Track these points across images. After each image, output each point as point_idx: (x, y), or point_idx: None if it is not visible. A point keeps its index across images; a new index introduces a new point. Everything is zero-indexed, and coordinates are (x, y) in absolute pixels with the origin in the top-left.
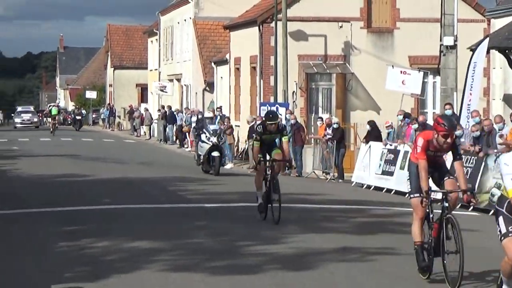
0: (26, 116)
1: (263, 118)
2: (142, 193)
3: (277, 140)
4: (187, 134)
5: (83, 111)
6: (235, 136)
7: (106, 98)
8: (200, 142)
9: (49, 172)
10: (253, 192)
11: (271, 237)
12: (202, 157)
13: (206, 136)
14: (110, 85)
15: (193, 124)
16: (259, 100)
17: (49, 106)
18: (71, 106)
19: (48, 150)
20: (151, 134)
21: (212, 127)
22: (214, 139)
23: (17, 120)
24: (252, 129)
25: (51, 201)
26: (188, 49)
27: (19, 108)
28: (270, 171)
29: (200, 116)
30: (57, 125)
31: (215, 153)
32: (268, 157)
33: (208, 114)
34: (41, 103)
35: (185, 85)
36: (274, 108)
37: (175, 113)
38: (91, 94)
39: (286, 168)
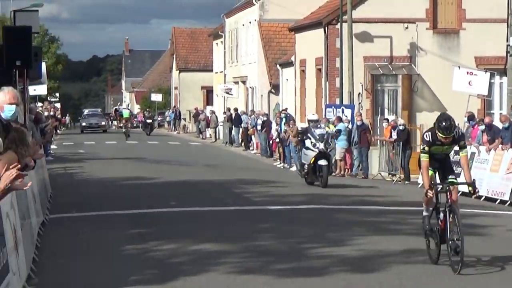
0: (93, 120)
1: (436, 124)
2: (208, 195)
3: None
4: (252, 136)
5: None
6: None
7: (172, 101)
8: (304, 149)
9: (116, 175)
10: (318, 194)
11: (337, 239)
12: (306, 166)
13: (312, 142)
14: (176, 88)
15: (258, 127)
16: (324, 102)
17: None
18: (136, 109)
19: (114, 153)
20: (217, 137)
21: (318, 131)
22: (321, 145)
23: (84, 123)
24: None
25: (118, 204)
26: (253, 51)
27: (86, 111)
28: (448, 199)
29: (265, 118)
30: (130, 128)
31: (323, 162)
32: (438, 177)
33: (312, 116)
34: (107, 106)
35: (250, 87)
36: (339, 110)
37: (241, 115)
38: (156, 97)
39: (470, 192)
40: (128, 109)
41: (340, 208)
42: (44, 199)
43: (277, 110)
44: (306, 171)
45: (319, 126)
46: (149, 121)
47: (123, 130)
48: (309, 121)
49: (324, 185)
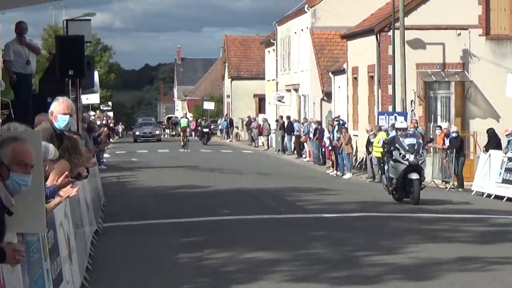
0: (147, 129)
1: None
2: (261, 203)
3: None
4: (305, 144)
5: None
6: (354, 145)
7: (224, 109)
8: (391, 162)
9: (168, 184)
10: (371, 202)
11: (390, 247)
12: (394, 181)
13: (400, 154)
14: (228, 96)
15: (311, 134)
16: (377, 110)
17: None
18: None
19: (167, 161)
20: (269, 145)
21: (407, 140)
22: (411, 157)
23: (137, 132)
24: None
25: (171, 212)
26: (306, 59)
27: (140, 120)
28: None
29: (317, 126)
30: (189, 138)
31: (414, 175)
32: None
33: (400, 124)
34: (159, 114)
35: (302, 95)
36: (392, 118)
37: (293, 123)
38: (208, 105)
39: None
40: (186, 118)
41: (393, 216)
42: (97, 207)
43: (329, 117)
44: (394, 186)
45: (408, 134)
46: (205, 130)
47: (182, 139)
48: (396, 129)
49: (416, 201)
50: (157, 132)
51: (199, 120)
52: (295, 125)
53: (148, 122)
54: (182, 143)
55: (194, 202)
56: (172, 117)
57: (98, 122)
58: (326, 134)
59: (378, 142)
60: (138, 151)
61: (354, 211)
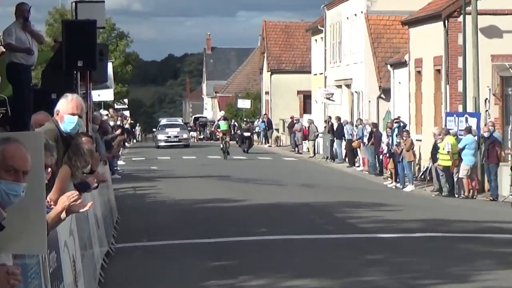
0: (173, 132)
1: None
2: (305, 221)
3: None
4: (358, 150)
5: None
6: (416, 152)
7: (262, 108)
8: None
9: (195, 197)
10: (437, 219)
11: (460, 274)
12: None
13: None
14: (267, 93)
15: (365, 139)
16: (444, 110)
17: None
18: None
19: (193, 170)
20: (316, 151)
21: None
22: None
23: (160, 136)
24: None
25: (198, 230)
26: (360, 49)
27: (163, 121)
28: None
29: (373, 129)
30: (229, 144)
31: None
32: None
33: None
34: (185, 114)
35: (355, 92)
36: (462, 119)
37: (344, 125)
38: (243, 103)
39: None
40: (225, 119)
41: (463, 237)
42: (109, 225)
43: (388, 119)
44: None
45: None
46: (246, 134)
47: (220, 146)
48: None
49: None
50: (185, 136)
51: (233, 122)
52: (347, 127)
53: (173, 123)
54: (222, 151)
55: (226, 218)
56: (200, 117)
57: (112, 123)
58: (384, 138)
59: (444, 149)
60: (159, 157)
61: (417, 230)
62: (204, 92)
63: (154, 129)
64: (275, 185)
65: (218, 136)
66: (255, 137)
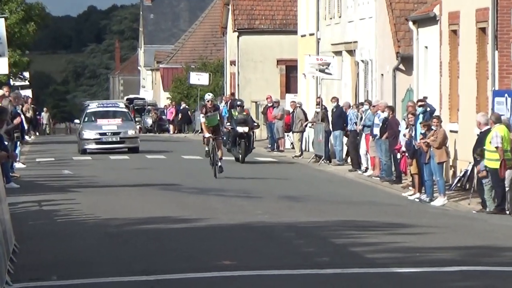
0: (110, 125)
1: None
2: (288, 249)
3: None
4: (365, 146)
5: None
6: (451, 149)
7: (225, 86)
8: None
9: (129, 215)
10: (480, 246)
11: None
12: None
13: None
14: (232, 63)
15: (376, 130)
16: (491, 86)
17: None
18: (164, 100)
19: (125, 176)
20: (304, 148)
21: None
22: None
23: (88, 133)
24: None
25: (132, 264)
26: (368, 0)
27: (93, 107)
28: None
29: (386, 115)
30: (221, 151)
31: None
32: None
33: None
34: (112, 93)
35: (362, 61)
36: None
37: (345, 109)
38: (199, 79)
39: None
40: (215, 107)
41: None
42: (1, 256)
43: (409, 100)
44: None
45: None
46: (241, 129)
47: (206, 149)
48: None
49: None
50: (131, 133)
51: (183, 105)
52: (350, 113)
53: (110, 111)
54: (207, 154)
55: (174, 247)
56: (135, 98)
57: (9, 107)
58: (403, 129)
59: (490, 143)
60: (75, 158)
61: (451, 263)
62: (141, 62)
63: (77, 120)
64: (245, 197)
65: (202, 135)
66: None
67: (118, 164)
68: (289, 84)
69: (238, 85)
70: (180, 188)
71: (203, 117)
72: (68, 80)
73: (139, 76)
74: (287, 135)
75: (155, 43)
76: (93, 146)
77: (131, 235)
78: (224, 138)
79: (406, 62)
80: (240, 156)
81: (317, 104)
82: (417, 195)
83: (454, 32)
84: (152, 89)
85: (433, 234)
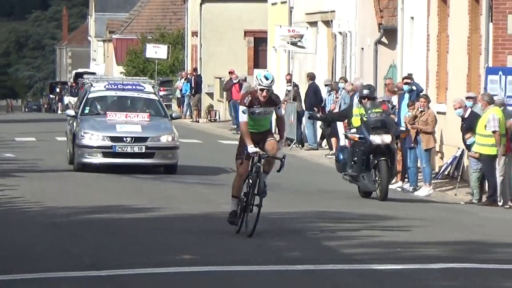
0: (127, 123)
1: None
2: (256, 243)
3: None
4: (342, 129)
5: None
6: (438, 133)
7: (186, 59)
8: None
9: (77, 203)
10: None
11: None
12: None
13: None
14: (194, 34)
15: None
16: (484, 63)
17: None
18: (117, 74)
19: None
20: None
21: None
22: None
23: (90, 136)
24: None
25: (82, 258)
26: None
27: (98, 86)
28: None
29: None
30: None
31: None
32: None
33: None
34: (60, 67)
35: (340, 33)
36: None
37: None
38: (156, 51)
39: None
40: (274, 99)
41: (506, 270)
42: None
43: (391, 76)
44: None
45: None
46: (380, 139)
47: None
48: None
49: None
50: (167, 140)
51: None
52: (325, 92)
53: (130, 97)
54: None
55: (128, 239)
56: (85, 72)
57: None
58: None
59: (485, 127)
60: (18, 139)
61: (436, 259)
62: (92, 32)
63: (70, 111)
64: (208, 185)
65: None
66: (174, 105)
67: (64, 146)
68: (258, 58)
69: (201, 59)
70: (134, 174)
71: (244, 112)
72: (9, 51)
73: (89, 48)
74: None
75: (108, 11)
76: (98, 159)
77: (81, 226)
78: (341, 156)
79: (389, 35)
80: (379, 187)
81: (287, 82)
82: (399, 183)
83: (444, 1)
84: (104, 63)
85: (416, 227)
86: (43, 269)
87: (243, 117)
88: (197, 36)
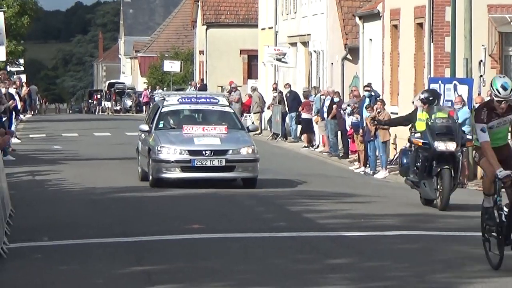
0: (205, 136)
1: None
2: (250, 215)
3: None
4: (316, 126)
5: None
6: (392, 129)
7: (195, 72)
8: None
9: (109, 184)
10: (421, 213)
11: (446, 282)
12: None
13: None
14: (201, 52)
15: (325, 113)
16: (427, 74)
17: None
18: (141, 84)
19: (107, 151)
20: (263, 127)
21: None
22: None
23: (168, 150)
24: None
25: (113, 227)
26: None
27: (171, 100)
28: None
29: (336, 99)
30: None
31: None
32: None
33: None
34: (97, 79)
35: (315, 51)
36: (450, 87)
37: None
38: (171, 66)
39: None
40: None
41: (451, 236)
42: (0, 219)
43: (354, 85)
44: None
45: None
46: (445, 146)
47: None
48: None
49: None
50: (247, 152)
51: (157, 90)
52: (315, 99)
53: (204, 110)
54: None
55: (149, 212)
56: (116, 83)
57: (4, 90)
58: (350, 111)
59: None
60: (64, 134)
61: (392, 228)
62: (121, 51)
63: (144, 126)
64: None
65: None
66: None
67: (101, 139)
68: (251, 71)
69: (206, 72)
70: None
71: (481, 130)
72: (57, 66)
73: (119, 63)
74: (249, 115)
75: (134, 35)
76: (176, 174)
77: (112, 201)
78: (404, 160)
79: (353, 53)
80: (439, 196)
81: (273, 89)
82: (362, 168)
83: (395, 26)
84: (131, 75)
85: (376, 202)
86: (84, 236)
87: (482, 136)
88: (203, 54)
